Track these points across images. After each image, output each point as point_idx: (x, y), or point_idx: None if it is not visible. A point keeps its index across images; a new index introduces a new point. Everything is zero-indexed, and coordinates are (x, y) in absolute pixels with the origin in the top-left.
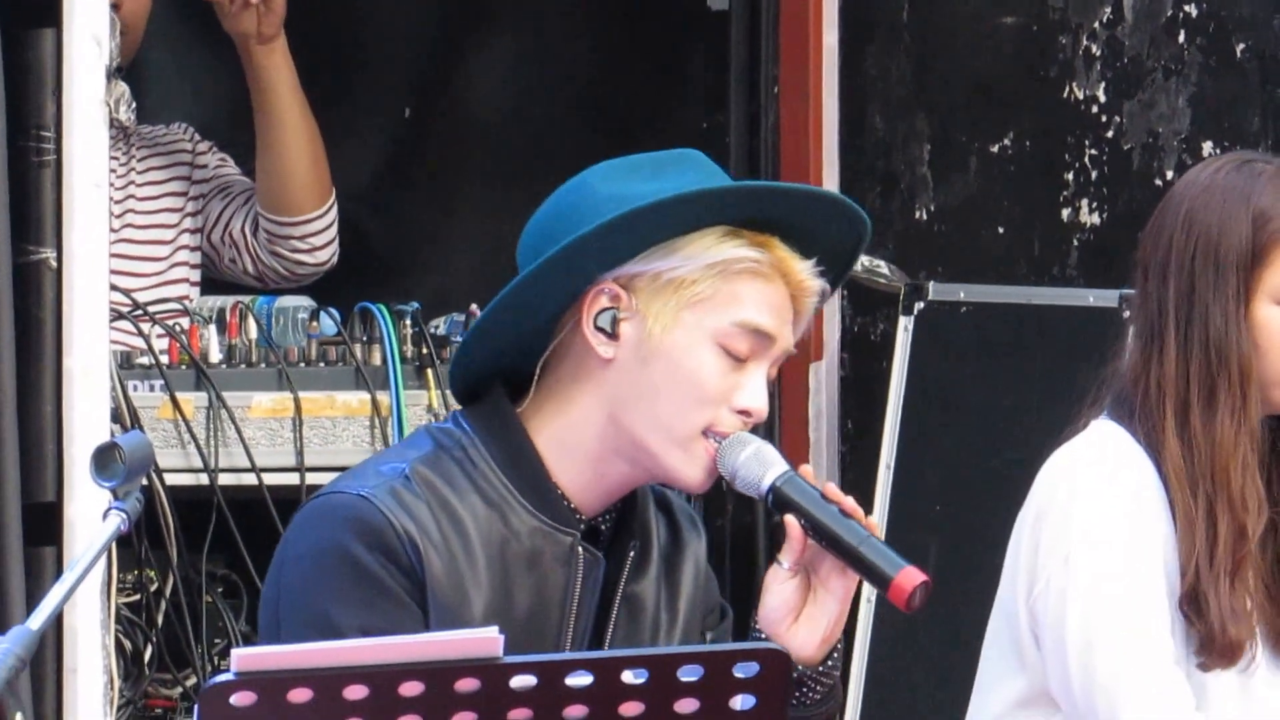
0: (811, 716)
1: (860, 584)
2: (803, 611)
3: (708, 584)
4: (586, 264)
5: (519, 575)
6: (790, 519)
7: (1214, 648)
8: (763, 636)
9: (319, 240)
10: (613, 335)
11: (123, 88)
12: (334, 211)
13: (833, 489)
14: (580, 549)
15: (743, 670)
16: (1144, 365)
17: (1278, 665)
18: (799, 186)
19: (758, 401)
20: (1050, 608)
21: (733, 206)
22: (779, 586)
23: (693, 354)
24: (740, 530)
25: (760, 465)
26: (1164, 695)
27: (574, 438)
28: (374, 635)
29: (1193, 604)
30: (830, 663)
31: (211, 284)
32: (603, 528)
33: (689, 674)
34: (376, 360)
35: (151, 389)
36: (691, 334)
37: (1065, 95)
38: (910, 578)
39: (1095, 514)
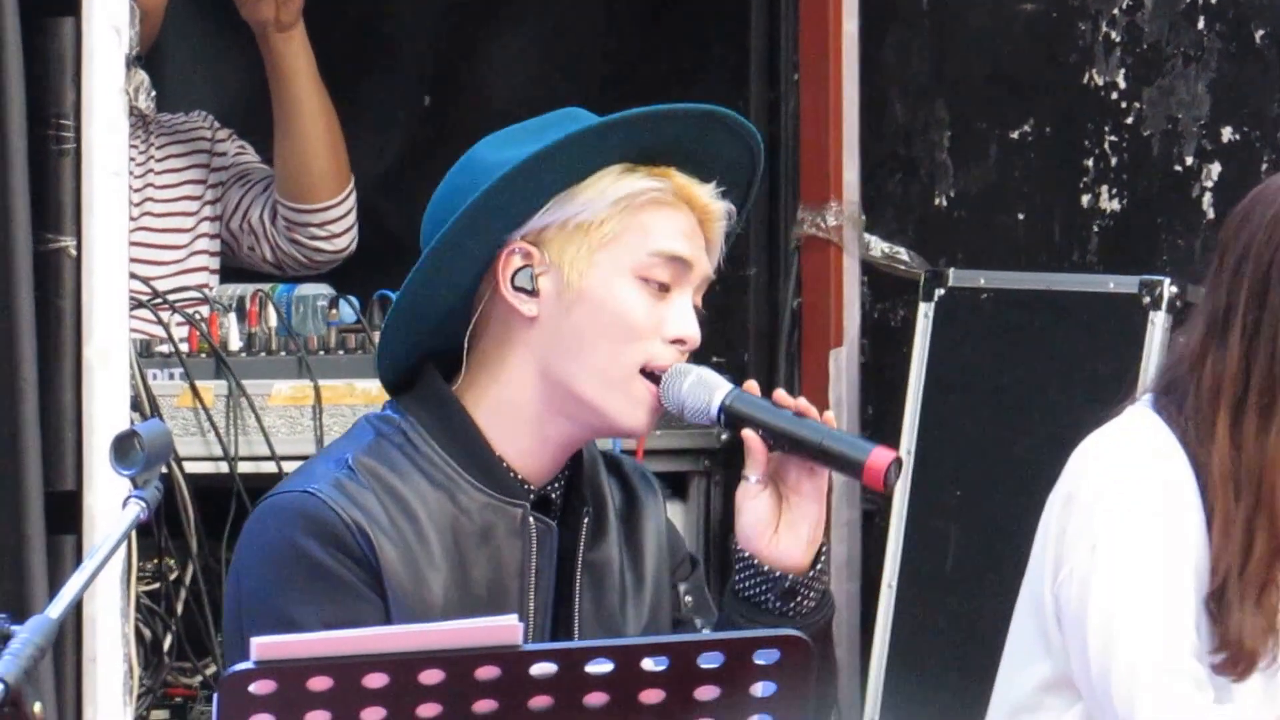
0: (810, 629)
1: (872, 566)
2: (780, 521)
3: (672, 539)
4: (490, 228)
5: (473, 552)
6: (748, 433)
7: (1229, 655)
8: (745, 555)
9: (338, 227)
10: (532, 292)
11: (142, 76)
12: (353, 199)
13: (782, 394)
14: (532, 519)
15: (763, 657)
16: (1203, 354)
17: None
18: (680, 105)
19: (689, 328)
20: (1073, 595)
21: (623, 142)
22: (751, 503)
23: (614, 292)
24: None
25: (705, 389)
26: (1182, 688)
27: (511, 404)
28: (336, 628)
29: (1218, 605)
30: (819, 566)
31: (231, 272)
32: (553, 496)
33: (709, 661)
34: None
35: (171, 377)
36: (609, 273)
37: (1085, 82)
38: (881, 457)
39: (1124, 504)
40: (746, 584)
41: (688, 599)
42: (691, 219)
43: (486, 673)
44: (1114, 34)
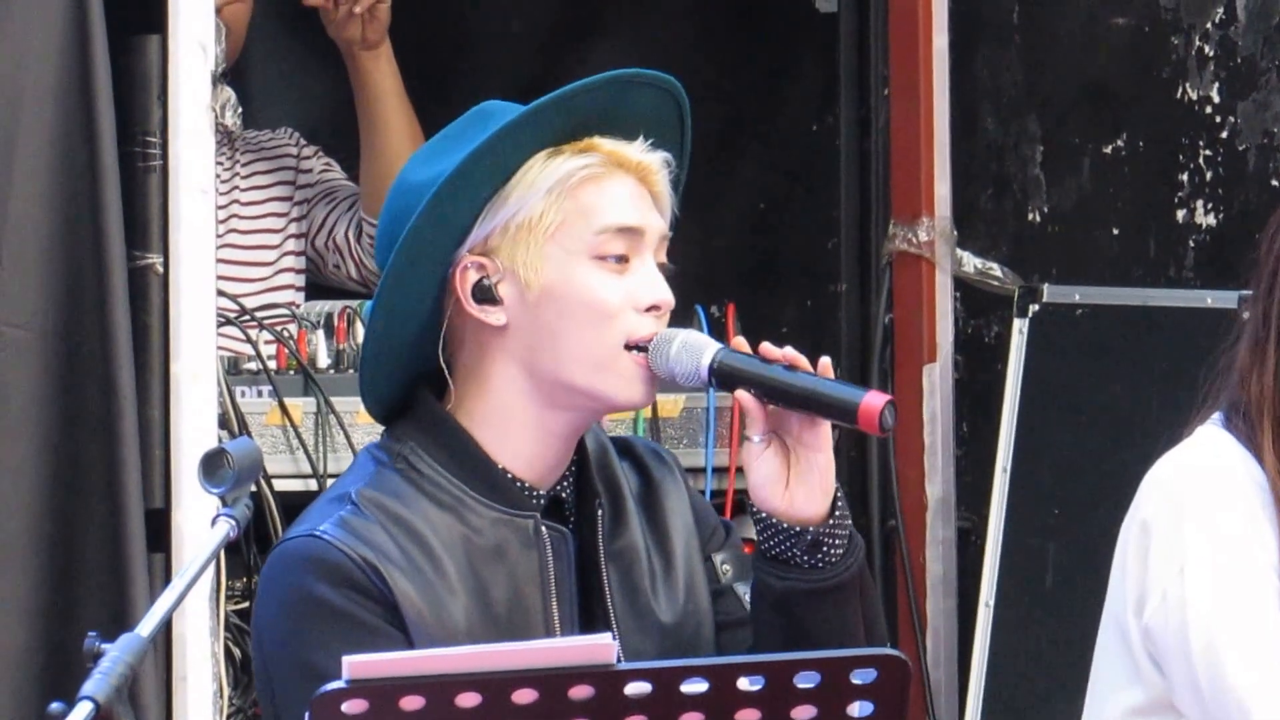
0: (844, 575)
1: (969, 584)
2: (790, 475)
3: (698, 511)
4: (434, 252)
5: (490, 570)
6: (741, 393)
7: None
8: (762, 515)
9: None
10: (496, 301)
11: (228, 93)
12: None
13: (770, 348)
14: (544, 529)
15: (860, 676)
16: (1249, 370)
17: None
18: (582, 81)
19: (658, 292)
20: (1169, 618)
21: (539, 131)
22: (758, 461)
23: (574, 280)
24: None
25: (693, 353)
26: None
27: (505, 412)
28: None
29: None
30: (840, 511)
31: (316, 289)
32: (564, 495)
33: (805, 680)
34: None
35: (259, 395)
36: (564, 263)
37: (1178, 96)
38: (875, 399)
39: (1205, 523)
40: (770, 543)
41: (725, 568)
42: (629, 181)
43: (580, 692)
44: (1207, 48)
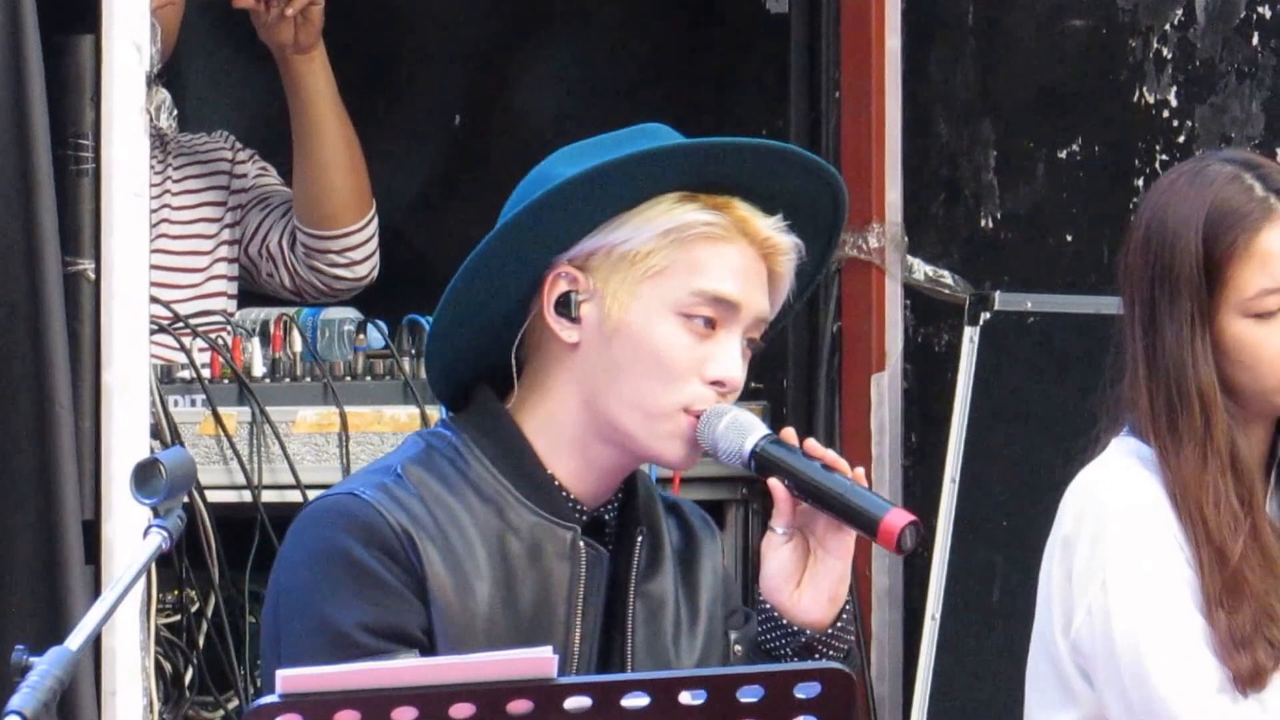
0: None
1: (915, 597)
2: (804, 575)
3: (728, 585)
4: (536, 247)
5: (521, 569)
6: (774, 481)
7: (1232, 671)
8: (766, 606)
9: (358, 254)
10: (574, 319)
11: (163, 94)
12: (374, 225)
13: (814, 445)
14: (582, 543)
15: (804, 691)
16: (1128, 390)
17: None
18: (749, 140)
19: (729, 371)
20: (1095, 630)
21: (683, 170)
22: (775, 553)
23: (653, 329)
24: None
25: (739, 433)
26: (1224, 703)
27: (558, 425)
28: (374, 632)
29: (1208, 623)
30: (841, 623)
31: (249, 297)
32: (607, 518)
33: (749, 695)
34: (425, 374)
35: (193, 404)
36: (650, 308)
37: (1135, 99)
38: (898, 518)
39: (1124, 534)
40: (766, 636)
41: (737, 648)
42: (749, 254)
43: (519, 706)
44: (1165, 51)
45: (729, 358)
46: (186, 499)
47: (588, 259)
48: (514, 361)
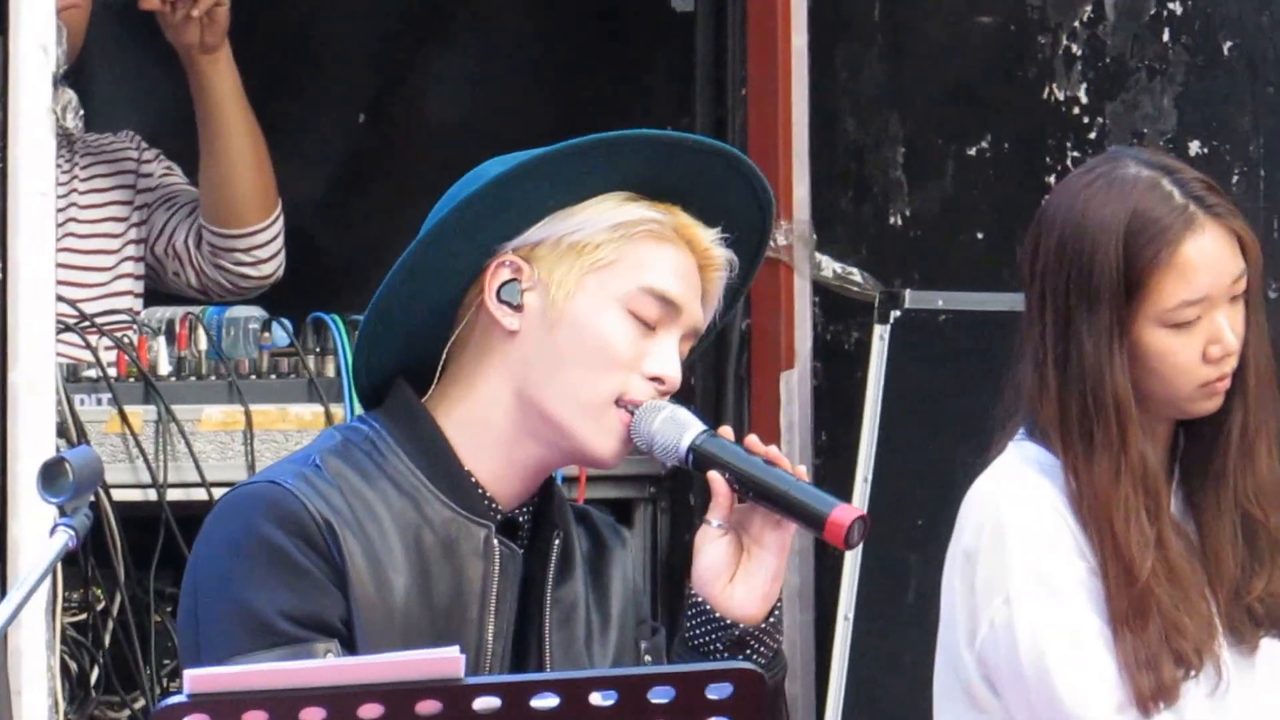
0: None
1: (827, 597)
2: (738, 570)
3: (637, 595)
4: (480, 234)
5: (436, 563)
6: (714, 475)
7: (1134, 687)
8: (698, 600)
9: (264, 253)
10: (517, 307)
11: (70, 94)
12: (280, 224)
13: (755, 441)
14: (496, 541)
15: (716, 691)
16: (1034, 396)
17: (1239, 659)
18: (698, 137)
19: (669, 368)
20: (999, 644)
21: (630, 166)
22: (710, 546)
23: (599, 319)
24: None
25: (677, 428)
26: (1130, 712)
27: (483, 420)
28: (295, 619)
29: (1112, 636)
30: (773, 619)
31: (156, 296)
32: (520, 519)
33: (660, 695)
34: (330, 372)
35: (99, 402)
36: (597, 299)
37: (1045, 96)
38: (846, 514)
39: (1025, 546)
40: (697, 631)
41: (648, 658)
42: (690, 260)
43: (427, 707)
44: (1075, 47)
45: (669, 356)
46: (93, 497)
47: (533, 249)
48: (444, 356)
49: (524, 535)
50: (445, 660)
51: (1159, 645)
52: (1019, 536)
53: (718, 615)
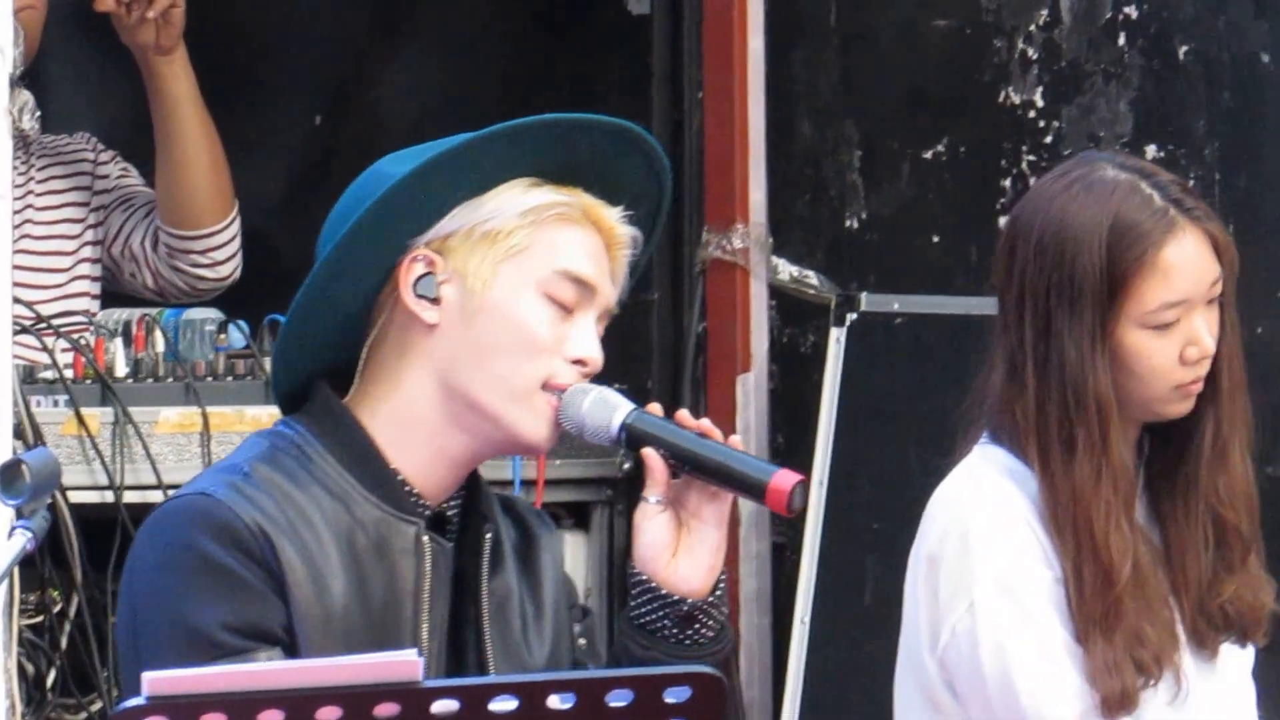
0: (709, 658)
1: (784, 600)
2: (679, 545)
3: (567, 581)
4: (392, 233)
5: (370, 565)
6: (649, 452)
7: (1101, 695)
8: (643, 579)
9: (220, 255)
10: (434, 300)
11: (26, 96)
12: (236, 225)
13: (685, 415)
14: (426, 539)
15: (674, 695)
16: (1009, 399)
17: (1201, 665)
18: (594, 116)
19: (591, 349)
20: (962, 652)
21: (533, 152)
22: (650, 524)
23: (518, 305)
24: None
25: (607, 408)
26: (1089, 718)
27: (409, 416)
28: (236, 630)
29: (1081, 644)
30: (718, 592)
31: (113, 297)
32: (448, 514)
33: (618, 699)
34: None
35: (55, 404)
36: (514, 285)
37: (1001, 100)
38: (785, 479)
39: (989, 553)
40: (643, 609)
41: (581, 641)
42: (598, 241)
43: (386, 710)
44: (1031, 51)
45: (588, 337)
46: (50, 499)
47: (445, 241)
48: (363, 356)
49: (453, 529)
50: (403, 663)
51: (1123, 653)
52: (984, 542)
53: (664, 592)
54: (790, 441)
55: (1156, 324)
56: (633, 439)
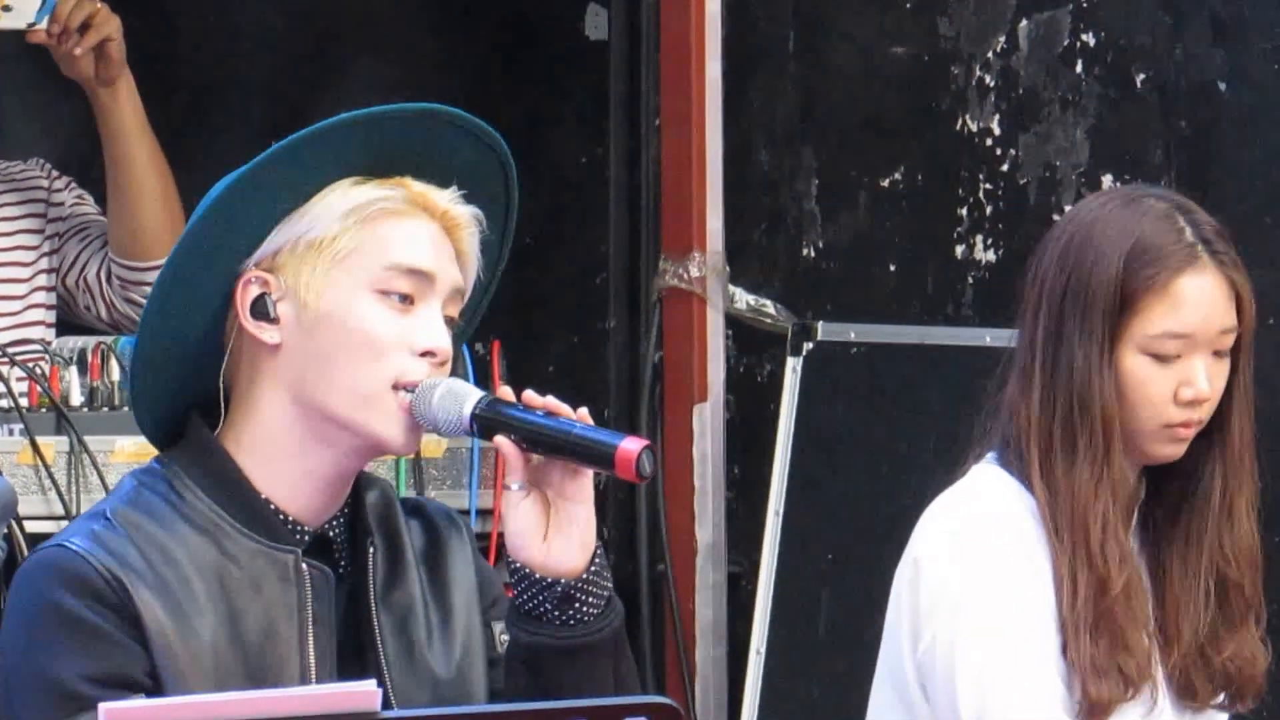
0: (596, 636)
1: (739, 631)
2: (550, 526)
3: (484, 575)
4: (220, 259)
5: (244, 599)
6: (500, 439)
7: (1085, 704)
8: (517, 565)
9: None
10: (273, 319)
11: None
12: None
13: (532, 395)
14: (305, 566)
15: None
16: (1018, 401)
17: (1182, 709)
18: (400, 105)
19: (435, 340)
20: (939, 661)
21: (345, 152)
22: (514, 511)
23: (353, 309)
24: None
25: (456, 400)
26: None
27: (270, 440)
28: (97, 681)
29: (1069, 653)
30: (596, 567)
31: (68, 326)
32: (332, 534)
33: None
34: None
35: (10, 433)
36: (346, 289)
37: (958, 128)
38: (632, 445)
39: (978, 564)
40: (524, 596)
41: (503, 638)
42: (432, 226)
43: None
44: (988, 78)
45: (433, 327)
46: (5, 529)
47: (274, 258)
48: (222, 386)
49: (340, 549)
50: (362, 694)
51: (1109, 659)
52: (976, 553)
53: (538, 576)
54: (746, 471)
55: (1157, 351)
56: (484, 428)
